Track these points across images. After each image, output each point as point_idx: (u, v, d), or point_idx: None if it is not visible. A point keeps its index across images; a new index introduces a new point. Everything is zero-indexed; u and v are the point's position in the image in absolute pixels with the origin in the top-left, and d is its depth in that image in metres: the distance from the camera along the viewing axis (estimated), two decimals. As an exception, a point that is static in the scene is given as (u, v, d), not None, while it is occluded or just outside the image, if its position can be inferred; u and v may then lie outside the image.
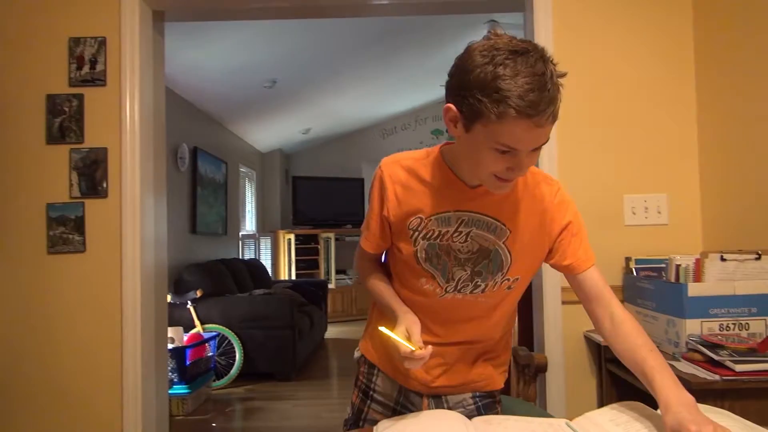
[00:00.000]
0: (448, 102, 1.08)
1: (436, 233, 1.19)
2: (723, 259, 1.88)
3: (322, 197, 8.44)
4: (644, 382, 1.03)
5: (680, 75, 2.37)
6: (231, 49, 4.69)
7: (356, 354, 1.45)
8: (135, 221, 2.31)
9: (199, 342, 4.15)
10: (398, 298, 1.29)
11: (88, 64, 2.33)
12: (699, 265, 1.91)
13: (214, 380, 4.47)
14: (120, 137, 2.32)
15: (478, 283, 1.21)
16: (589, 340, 2.31)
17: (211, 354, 4.36)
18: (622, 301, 2.28)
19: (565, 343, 2.31)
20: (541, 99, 0.95)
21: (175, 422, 3.70)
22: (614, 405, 1.08)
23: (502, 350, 1.38)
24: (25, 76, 2.33)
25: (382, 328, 1.14)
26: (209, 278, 5.01)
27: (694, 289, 1.83)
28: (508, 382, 2.23)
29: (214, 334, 4.50)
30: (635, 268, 2.23)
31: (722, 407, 1.34)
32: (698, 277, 1.90)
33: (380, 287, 1.32)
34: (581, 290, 1.23)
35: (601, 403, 2.27)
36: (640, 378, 1.05)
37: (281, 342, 4.67)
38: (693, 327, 1.81)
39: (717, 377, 1.58)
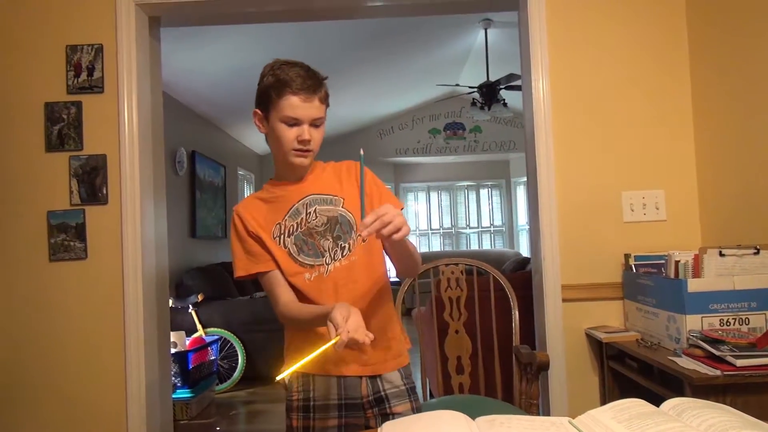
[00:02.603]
0: (254, 110, 1.47)
1: (294, 226, 1.45)
2: (722, 255, 1.89)
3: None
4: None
5: (675, 71, 2.38)
6: (227, 52, 4.69)
7: (285, 379, 1.47)
8: (135, 227, 2.32)
9: (201, 346, 4.15)
10: (314, 305, 1.42)
11: (86, 71, 2.34)
12: (698, 260, 1.92)
13: (217, 384, 4.47)
14: (119, 143, 2.32)
15: (342, 245, 1.45)
16: (590, 338, 2.32)
17: (213, 358, 4.37)
18: (622, 298, 2.30)
19: (566, 340, 2.32)
20: (305, 81, 1.37)
21: (179, 427, 3.70)
22: (617, 402, 1.09)
23: (397, 328, 1.54)
24: (24, 84, 2.34)
25: (299, 364, 1.22)
26: (210, 282, 5.02)
27: (693, 285, 1.84)
28: (510, 381, 2.24)
29: (216, 337, 4.50)
30: (634, 265, 2.24)
31: (724, 402, 1.34)
32: (697, 272, 1.91)
33: (298, 306, 1.43)
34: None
35: (604, 401, 2.28)
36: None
37: (283, 344, 4.65)
38: (693, 323, 1.82)
39: (718, 372, 1.58)
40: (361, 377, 1.44)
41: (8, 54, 2.35)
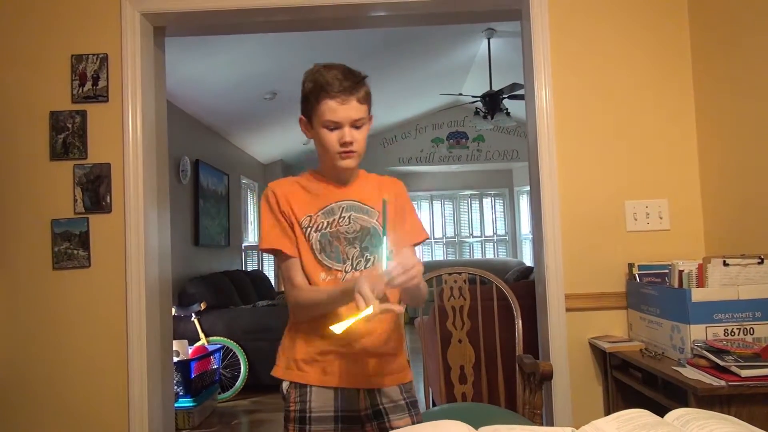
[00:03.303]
0: (300, 117, 1.47)
1: (325, 224, 1.44)
2: (726, 264, 1.88)
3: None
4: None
5: (678, 80, 2.39)
6: (231, 62, 4.72)
7: (284, 386, 1.46)
8: (139, 235, 2.32)
9: (204, 355, 4.15)
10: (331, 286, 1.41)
11: (91, 80, 2.35)
12: (702, 270, 1.91)
13: (220, 393, 4.46)
14: (123, 152, 2.33)
15: (368, 257, 1.44)
16: (594, 347, 2.31)
17: (216, 366, 4.36)
18: (626, 308, 2.29)
19: (570, 350, 2.31)
20: (342, 83, 1.37)
21: (180, 436, 3.69)
22: (621, 413, 1.08)
23: (402, 346, 1.54)
24: (29, 93, 2.35)
25: (335, 327, 1.21)
26: (213, 290, 5.02)
27: (697, 295, 1.83)
28: (513, 391, 2.23)
29: (219, 346, 4.50)
30: (638, 274, 2.23)
31: (728, 413, 1.33)
32: (701, 282, 1.90)
33: (315, 288, 1.42)
34: None
35: (608, 411, 2.27)
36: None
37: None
38: (698, 332, 1.81)
39: (723, 383, 1.57)
40: (359, 390, 1.43)
41: (14, 63, 2.36)
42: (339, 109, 1.38)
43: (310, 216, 1.44)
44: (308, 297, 1.42)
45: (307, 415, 1.42)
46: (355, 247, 1.44)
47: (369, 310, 1.15)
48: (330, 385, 1.42)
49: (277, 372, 1.47)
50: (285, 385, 1.46)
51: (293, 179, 1.52)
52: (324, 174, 1.50)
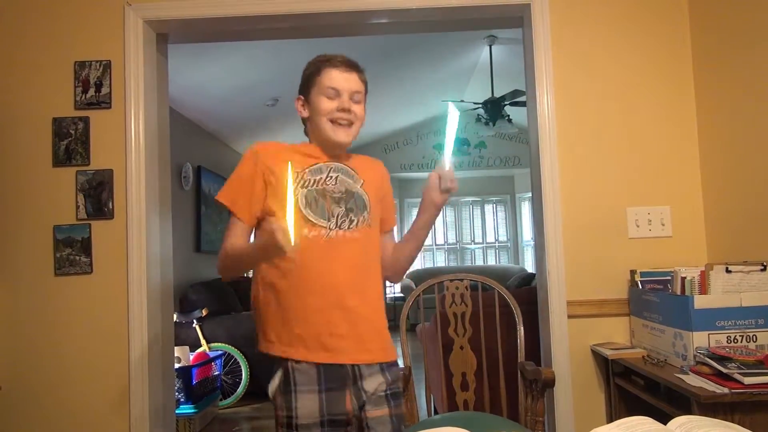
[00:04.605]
0: (297, 99, 1.54)
1: (312, 181, 1.46)
2: (728, 271, 1.88)
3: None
4: (414, 235, 1.60)
5: (680, 88, 2.39)
6: (233, 69, 4.73)
7: (270, 388, 1.45)
8: (141, 241, 2.32)
9: (205, 361, 4.14)
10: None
11: (94, 87, 2.36)
12: (704, 277, 1.91)
13: (221, 399, 4.45)
14: (125, 159, 2.34)
15: (352, 218, 1.47)
16: (596, 354, 2.30)
17: (217, 373, 4.35)
18: (629, 315, 2.29)
19: (572, 357, 2.31)
20: (345, 59, 1.49)
21: (181, 442, 3.68)
22: (623, 420, 1.08)
23: (384, 322, 1.55)
24: (32, 100, 2.36)
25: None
26: (214, 296, 5.01)
27: (700, 302, 1.83)
28: (515, 398, 2.22)
29: (220, 353, 4.49)
30: (640, 281, 2.23)
31: (732, 421, 1.33)
32: (704, 289, 1.90)
33: (239, 247, 1.45)
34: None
35: (610, 418, 2.26)
36: (413, 236, 1.61)
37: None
38: (700, 339, 1.81)
39: (726, 390, 1.57)
40: (345, 390, 1.41)
41: (17, 69, 2.37)
42: (341, 77, 1.47)
43: (297, 172, 1.46)
44: (234, 251, 1.45)
45: (294, 420, 1.40)
46: (341, 206, 1.47)
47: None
48: (317, 358, 1.40)
49: (264, 346, 1.48)
50: (271, 387, 1.45)
51: (282, 144, 1.55)
52: (317, 145, 1.54)
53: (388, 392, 1.47)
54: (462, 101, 6.73)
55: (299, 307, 1.42)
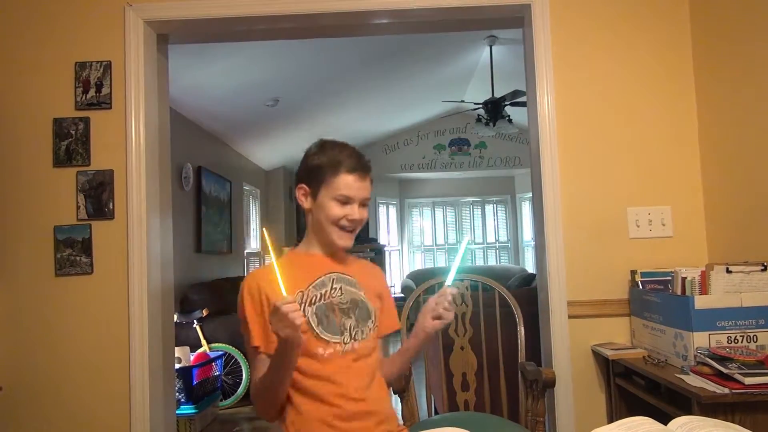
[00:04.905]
0: (297, 185, 1.51)
1: (318, 296, 1.45)
2: (729, 271, 1.88)
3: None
4: (402, 356, 1.59)
5: (680, 87, 2.39)
6: (233, 69, 4.73)
7: None
8: (141, 242, 2.32)
9: (205, 362, 4.14)
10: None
11: (94, 87, 2.36)
12: (705, 277, 1.91)
13: (221, 400, 4.45)
14: (126, 159, 2.34)
15: (362, 329, 1.46)
16: (597, 355, 2.30)
17: (217, 373, 4.35)
18: (629, 315, 2.29)
19: (572, 357, 2.31)
20: (360, 160, 1.47)
21: (182, 443, 3.67)
22: (624, 420, 1.08)
23: (390, 405, 1.53)
24: (33, 100, 2.36)
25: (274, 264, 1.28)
26: (215, 297, 5.01)
27: (700, 302, 1.83)
28: (515, 398, 2.22)
29: (221, 353, 4.49)
30: (641, 281, 2.23)
31: (732, 421, 1.33)
32: (704, 289, 1.90)
33: (266, 373, 1.37)
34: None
35: (611, 419, 2.26)
36: (401, 356, 1.60)
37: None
38: (701, 340, 1.81)
39: (727, 390, 1.57)
40: None
41: (18, 70, 2.37)
42: (356, 186, 1.45)
43: (302, 292, 1.44)
44: (264, 375, 1.38)
45: None
46: (351, 317, 1.45)
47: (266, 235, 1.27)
48: None
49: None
50: None
51: (270, 267, 1.44)
52: (311, 247, 1.53)
53: None
54: (462, 101, 6.74)
55: (323, 415, 1.39)
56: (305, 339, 1.36)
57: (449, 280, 1.45)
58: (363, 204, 1.48)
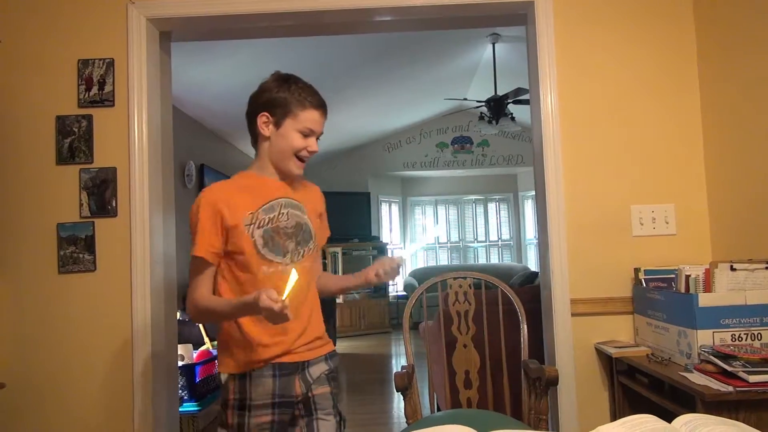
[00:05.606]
0: (260, 113, 1.61)
1: (266, 220, 1.57)
2: (733, 269, 1.87)
3: (329, 211, 8.44)
4: (339, 284, 1.91)
5: (684, 84, 2.38)
6: (237, 67, 4.73)
7: (223, 377, 1.60)
8: (144, 239, 2.32)
9: (208, 359, 4.14)
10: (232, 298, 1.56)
11: (97, 85, 2.36)
12: (709, 275, 1.90)
13: (224, 397, 4.44)
14: (129, 157, 2.34)
15: (300, 251, 1.61)
16: (600, 352, 2.30)
17: (220, 371, 4.34)
18: (632, 313, 2.28)
19: (575, 355, 2.30)
20: (321, 98, 1.62)
21: (185, 440, 3.67)
22: (628, 418, 1.07)
23: (321, 318, 1.72)
24: (36, 98, 2.36)
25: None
26: (217, 295, 5.01)
27: (704, 300, 1.82)
28: (518, 396, 2.22)
29: (223, 350, 4.48)
30: (644, 279, 2.22)
31: (736, 419, 1.32)
32: (708, 287, 1.89)
33: (220, 300, 1.56)
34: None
35: (614, 417, 2.25)
36: (338, 284, 1.90)
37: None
38: (705, 338, 1.80)
39: (731, 388, 1.56)
40: (295, 376, 1.57)
41: (21, 67, 2.38)
42: (319, 121, 1.62)
43: (252, 213, 1.56)
44: (209, 304, 1.55)
45: (248, 401, 1.54)
46: (292, 241, 1.60)
47: (294, 276, 1.37)
48: (268, 355, 1.54)
49: (222, 368, 1.60)
50: (224, 376, 1.58)
51: (227, 182, 1.66)
52: (264, 171, 1.64)
53: (329, 374, 1.65)
54: (465, 99, 6.72)
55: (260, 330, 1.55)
56: (251, 258, 1.54)
57: (408, 252, 1.62)
58: (318, 137, 1.63)
